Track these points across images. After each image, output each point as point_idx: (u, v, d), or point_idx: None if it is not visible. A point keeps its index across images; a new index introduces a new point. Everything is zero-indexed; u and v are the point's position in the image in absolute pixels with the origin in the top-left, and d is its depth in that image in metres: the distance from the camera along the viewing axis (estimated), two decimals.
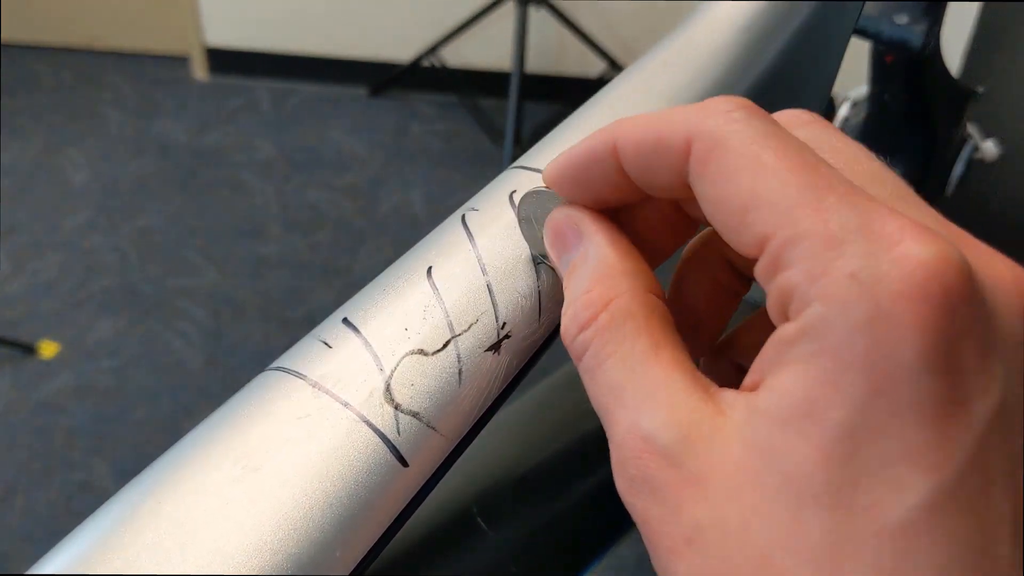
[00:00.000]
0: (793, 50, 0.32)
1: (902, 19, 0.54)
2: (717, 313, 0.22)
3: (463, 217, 0.24)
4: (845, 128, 0.70)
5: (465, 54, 2.10)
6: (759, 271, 0.16)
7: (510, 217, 0.23)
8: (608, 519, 0.32)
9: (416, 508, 0.20)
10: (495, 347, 0.21)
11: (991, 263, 0.16)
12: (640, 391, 0.17)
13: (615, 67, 1.98)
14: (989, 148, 0.68)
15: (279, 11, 2.10)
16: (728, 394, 0.16)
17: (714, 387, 0.17)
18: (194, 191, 1.86)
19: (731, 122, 0.17)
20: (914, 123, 0.66)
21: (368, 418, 0.19)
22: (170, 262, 1.69)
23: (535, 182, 0.25)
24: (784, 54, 0.32)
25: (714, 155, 0.17)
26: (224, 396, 0.20)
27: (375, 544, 0.19)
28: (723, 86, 0.29)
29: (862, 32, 0.55)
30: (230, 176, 1.90)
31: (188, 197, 1.84)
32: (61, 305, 1.59)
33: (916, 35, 0.54)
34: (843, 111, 0.71)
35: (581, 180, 0.20)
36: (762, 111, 0.18)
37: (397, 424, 0.19)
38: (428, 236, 0.24)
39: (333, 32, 2.12)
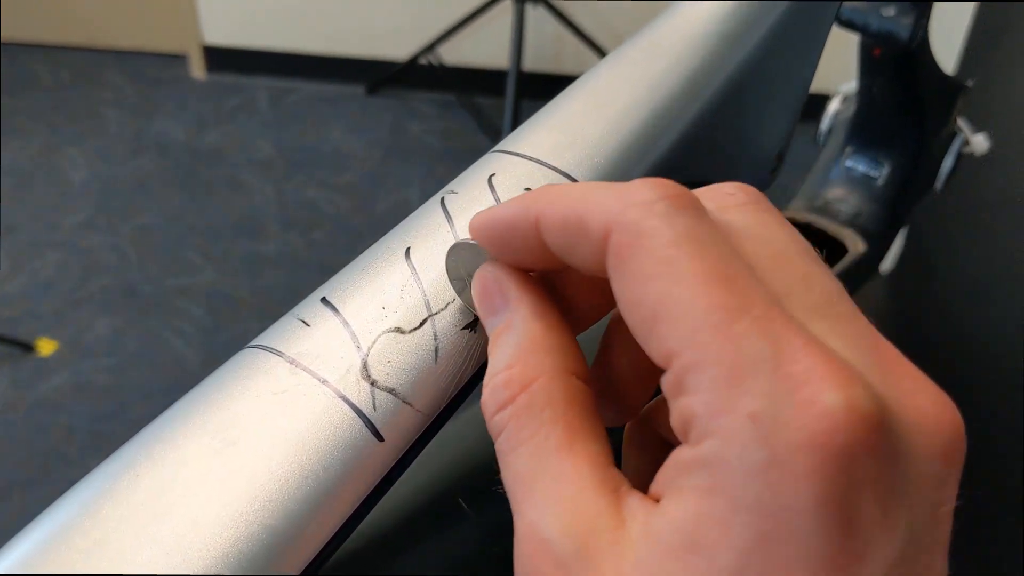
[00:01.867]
0: (770, 45, 0.33)
1: (889, 12, 0.54)
2: (642, 382, 0.21)
3: (442, 200, 0.24)
4: (836, 122, 0.70)
5: (463, 52, 2.10)
6: (664, 384, 0.16)
7: (489, 200, 0.24)
8: None
9: (392, 484, 0.20)
10: (471, 325, 0.21)
11: (914, 397, 0.15)
12: (547, 487, 0.16)
13: None
14: (979, 142, 0.68)
15: (277, 9, 2.11)
16: (634, 501, 0.16)
17: (625, 486, 0.16)
18: (192, 190, 1.86)
19: (651, 216, 0.16)
20: (904, 117, 0.66)
21: (345, 394, 0.19)
22: (168, 261, 1.69)
23: (515, 166, 0.25)
24: (761, 48, 0.32)
25: (629, 253, 0.16)
26: None
27: (350, 518, 0.19)
28: (701, 73, 0.30)
29: (849, 25, 0.56)
30: (228, 175, 1.91)
31: (186, 196, 1.85)
32: (60, 303, 1.59)
33: (903, 28, 0.54)
34: (834, 105, 0.71)
35: (504, 243, 0.19)
36: (689, 200, 0.16)
37: (373, 400, 0.20)
38: (407, 218, 0.24)
39: (331, 30, 2.13)
